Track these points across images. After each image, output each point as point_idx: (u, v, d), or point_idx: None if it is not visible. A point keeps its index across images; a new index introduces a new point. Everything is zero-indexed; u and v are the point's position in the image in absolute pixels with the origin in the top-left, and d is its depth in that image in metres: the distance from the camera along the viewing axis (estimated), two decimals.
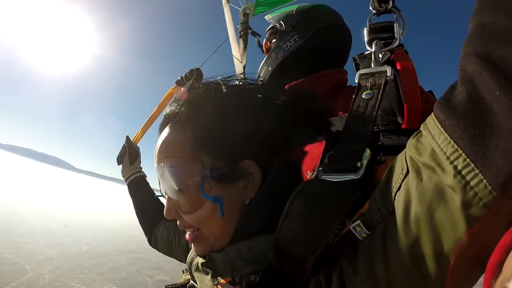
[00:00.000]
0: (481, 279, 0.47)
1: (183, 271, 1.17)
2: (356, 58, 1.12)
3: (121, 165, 2.03)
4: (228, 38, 2.02)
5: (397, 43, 1.03)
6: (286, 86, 1.52)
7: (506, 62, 0.43)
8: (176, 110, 0.89)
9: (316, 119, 1.02)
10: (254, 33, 2.04)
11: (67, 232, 16.52)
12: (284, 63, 1.59)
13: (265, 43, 1.81)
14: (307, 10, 1.63)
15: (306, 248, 0.67)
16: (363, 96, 0.90)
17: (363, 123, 0.85)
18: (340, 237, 0.71)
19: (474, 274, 0.56)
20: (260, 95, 0.95)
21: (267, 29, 1.82)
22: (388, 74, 0.91)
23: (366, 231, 0.63)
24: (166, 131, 0.88)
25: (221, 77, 0.95)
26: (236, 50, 1.93)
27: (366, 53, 1.09)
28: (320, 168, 0.82)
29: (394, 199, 0.60)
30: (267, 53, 1.74)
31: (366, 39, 1.08)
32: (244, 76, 1.47)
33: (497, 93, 0.43)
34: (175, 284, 1.07)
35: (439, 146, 0.51)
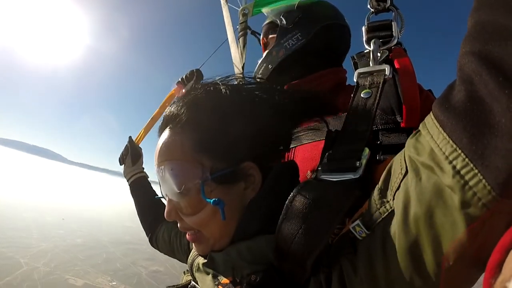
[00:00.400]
0: (481, 279, 0.47)
1: (184, 272, 1.17)
2: (355, 57, 1.12)
3: (123, 165, 2.03)
4: (227, 38, 2.00)
5: (395, 41, 1.03)
6: (286, 86, 1.52)
7: (505, 61, 0.43)
8: (175, 112, 0.88)
9: (318, 115, 1.02)
10: (254, 33, 2.02)
11: (61, 224, 16.47)
12: (285, 62, 1.56)
13: (262, 39, 1.77)
14: (309, 7, 1.60)
15: (306, 248, 0.67)
16: (361, 95, 0.90)
17: (362, 122, 0.85)
18: (340, 237, 0.71)
19: (473, 273, 0.56)
20: (259, 96, 0.94)
21: (264, 23, 1.78)
22: (386, 73, 0.90)
23: (366, 231, 0.63)
24: (166, 133, 0.88)
25: (219, 77, 0.95)
26: (235, 49, 1.91)
27: (364, 51, 1.09)
28: (319, 168, 0.82)
29: (393, 199, 0.60)
30: (264, 49, 1.71)
31: (364, 37, 1.07)
32: (243, 75, 1.46)
33: (496, 92, 0.43)
34: (176, 285, 1.07)
35: (438, 145, 0.51)
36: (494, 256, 0.37)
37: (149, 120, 2.12)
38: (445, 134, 0.50)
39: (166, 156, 0.85)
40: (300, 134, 1.14)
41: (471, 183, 0.45)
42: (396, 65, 0.97)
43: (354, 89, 0.94)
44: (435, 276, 0.53)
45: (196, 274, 0.94)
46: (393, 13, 1.07)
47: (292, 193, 0.74)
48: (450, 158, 0.48)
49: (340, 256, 0.67)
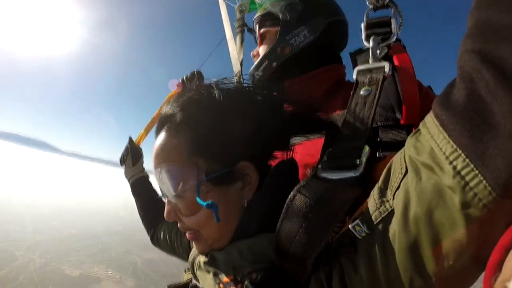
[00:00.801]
0: (481, 277, 0.48)
1: (185, 271, 1.18)
2: (354, 53, 1.11)
3: (124, 165, 2.02)
4: (225, 36, 1.99)
5: (394, 38, 1.02)
6: (287, 82, 1.51)
7: (505, 60, 0.42)
8: (171, 112, 0.88)
9: (313, 120, 1.01)
10: (250, 30, 2.00)
11: (55, 216, 16.41)
12: (291, 59, 1.53)
13: (259, 30, 1.68)
14: (313, 1, 1.55)
15: (306, 247, 0.67)
16: (361, 93, 0.90)
17: (362, 120, 0.84)
18: (340, 235, 0.71)
19: (473, 273, 0.56)
20: (255, 97, 0.94)
21: (259, 14, 1.68)
22: (386, 70, 0.90)
23: (366, 230, 0.63)
24: (162, 135, 0.88)
25: (216, 79, 0.95)
26: (232, 46, 1.90)
27: (363, 48, 1.08)
28: (319, 166, 0.82)
29: (393, 198, 0.60)
30: (261, 42, 1.66)
31: (363, 34, 1.06)
32: (241, 75, 1.43)
33: (497, 92, 0.42)
34: (177, 283, 1.08)
35: (438, 145, 0.51)
36: (494, 255, 0.37)
37: (150, 120, 2.12)
38: (445, 134, 0.50)
39: (162, 158, 0.85)
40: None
41: (471, 184, 0.45)
42: (396, 62, 0.96)
43: (354, 86, 0.94)
44: (435, 276, 0.54)
45: (197, 273, 0.95)
46: (392, 10, 1.05)
47: (292, 192, 0.74)
48: (451, 158, 0.48)
49: (340, 254, 0.68)
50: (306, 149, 1.18)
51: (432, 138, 0.53)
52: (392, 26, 1.03)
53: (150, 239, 1.76)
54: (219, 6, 2.14)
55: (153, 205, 1.79)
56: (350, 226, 0.66)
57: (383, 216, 0.61)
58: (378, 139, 0.98)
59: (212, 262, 0.87)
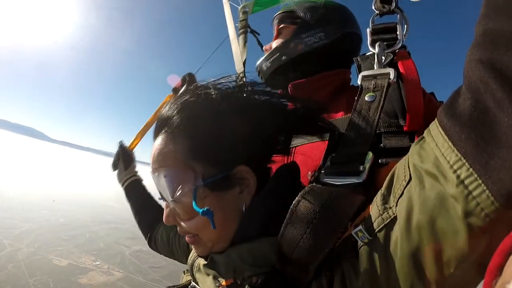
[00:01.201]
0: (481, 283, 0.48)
1: (184, 272, 1.17)
2: (358, 59, 1.11)
3: (116, 170, 1.99)
4: (227, 36, 1.98)
5: (400, 44, 1.02)
6: (290, 84, 1.53)
7: None
8: (167, 116, 0.87)
9: (313, 123, 1.00)
10: (253, 32, 1.99)
11: (43, 204, 16.23)
12: (300, 57, 1.54)
13: (278, 25, 1.68)
14: (334, 9, 1.58)
15: (310, 252, 0.67)
16: (365, 99, 0.90)
17: (366, 126, 0.85)
18: (342, 241, 0.71)
19: (474, 280, 0.56)
20: (254, 97, 0.93)
21: (281, 11, 1.69)
22: (390, 77, 0.90)
23: (368, 236, 0.63)
24: (159, 139, 0.87)
25: (213, 79, 0.93)
26: (236, 46, 1.89)
27: (368, 54, 1.09)
28: (322, 171, 0.82)
29: (396, 205, 0.60)
30: (277, 37, 1.66)
31: (368, 40, 1.07)
32: (243, 76, 1.43)
33: (503, 102, 0.42)
34: (176, 285, 1.07)
35: (443, 154, 0.51)
36: (494, 259, 0.37)
37: (143, 125, 2.11)
38: (450, 143, 0.50)
39: (160, 162, 0.84)
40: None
41: (474, 193, 0.46)
42: (401, 69, 0.97)
43: (358, 92, 0.94)
44: (436, 283, 0.54)
45: (197, 275, 0.95)
46: (398, 16, 1.06)
47: (297, 198, 0.74)
48: (455, 167, 0.48)
49: (342, 260, 0.68)
50: (307, 152, 1.18)
51: (436, 146, 0.53)
52: (398, 32, 1.04)
53: (148, 243, 1.73)
54: (223, 6, 2.14)
55: (149, 208, 1.76)
56: (352, 231, 0.66)
57: (385, 222, 0.61)
58: (381, 145, 0.98)
59: (212, 265, 0.86)
